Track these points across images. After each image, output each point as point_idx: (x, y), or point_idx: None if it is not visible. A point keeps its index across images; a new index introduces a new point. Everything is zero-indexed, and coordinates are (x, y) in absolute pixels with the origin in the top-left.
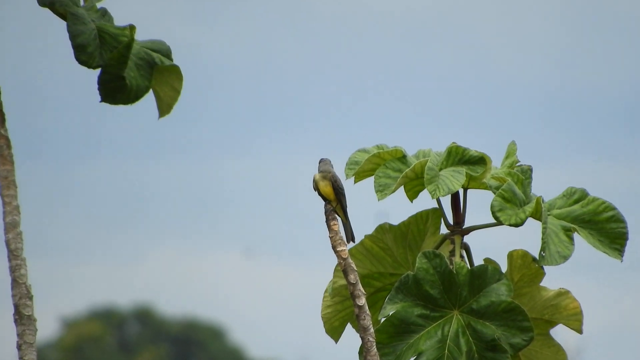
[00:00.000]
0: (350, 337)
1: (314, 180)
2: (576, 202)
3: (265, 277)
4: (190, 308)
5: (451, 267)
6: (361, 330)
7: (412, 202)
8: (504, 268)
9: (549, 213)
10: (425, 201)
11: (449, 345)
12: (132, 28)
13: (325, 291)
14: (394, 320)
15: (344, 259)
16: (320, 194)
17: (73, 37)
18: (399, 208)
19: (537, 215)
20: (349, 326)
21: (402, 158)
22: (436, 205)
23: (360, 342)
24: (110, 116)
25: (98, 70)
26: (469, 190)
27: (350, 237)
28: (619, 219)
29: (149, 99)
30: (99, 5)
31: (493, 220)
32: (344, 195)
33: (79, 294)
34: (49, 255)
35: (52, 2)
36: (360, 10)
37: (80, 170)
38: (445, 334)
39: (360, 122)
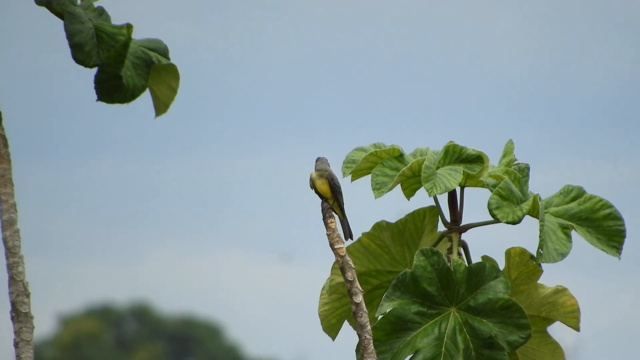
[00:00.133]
0: (348, 334)
1: (310, 178)
2: (573, 199)
3: (263, 275)
4: (187, 306)
5: (449, 264)
6: (358, 327)
7: (409, 200)
8: (501, 266)
9: (546, 211)
10: (422, 199)
11: (446, 342)
12: (129, 27)
13: (323, 289)
14: (391, 317)
15: (342, 257)
16: (317, 192)
17: (70, 36)
18: (396, 206)
19: (534, 213)
20: (346, 324)
21: (399, 157)
22: (433, 203)
23: (357, 339)
24: (111, 116)
25: (95, 69)
26: (466, 189)
27: (347, 234)
28: (616, 217)
29: (147, 98)
30: (96, 4)
31: (490, 218)
32: (341, 193)
33: (76, 292)
34: (46, 253)
35: (49, 1)
36: (357, 10)
37: (80, 170)
38: (442, 331)
39: (358, 120)
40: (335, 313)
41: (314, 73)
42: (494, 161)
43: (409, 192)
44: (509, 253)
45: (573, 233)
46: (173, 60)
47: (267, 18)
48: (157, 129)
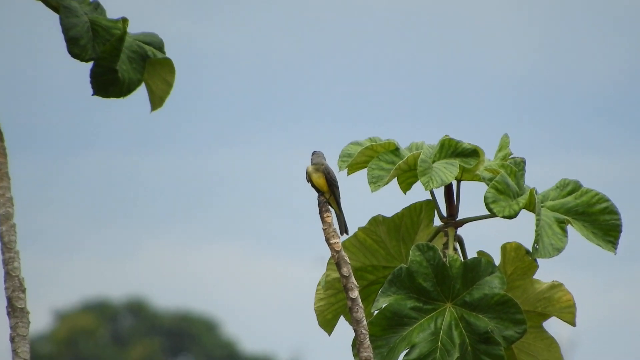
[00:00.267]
0: (343, 330)
1: (307, 172)
2: (569, 193)
3: (259, 270)
4: (183, 301)
5: (444, 259)
6: (354, 323)
7: (405, 194)
8: (497, 260)
9: (542, 205)
10: (418, 193)
11: (442, 337)
12: (124, 21)
13: (318, 284)
14: (387, 313)
15: (338, 252)
16: (313, 185)
17: (66, 29)
18: (392, 200)
19: (530, 207)
20: (342, 319)
21: (395, 150)
22: (429, 197)
23: (353, 335)
24: (103, 109)
25: (91, 63)
26: (462, 183)
27: (343, 229)
28: (612, 211)
29: (142, 92)
30: None
31: (487, 212)
32: (337, 187)
33: (72, 287)
34: (42, 248)
35: None
36: (354, 4)
37: (73, 163)
38: (438, 326)
39: (354, 114)
40: (331, 308)
41: (309, 67)
42: (489, 155)
43: (405, 186)
44: (504, 248)
45: (569, 228)
46: (169, 55)
47: (261, 11)
48: (149, 123)
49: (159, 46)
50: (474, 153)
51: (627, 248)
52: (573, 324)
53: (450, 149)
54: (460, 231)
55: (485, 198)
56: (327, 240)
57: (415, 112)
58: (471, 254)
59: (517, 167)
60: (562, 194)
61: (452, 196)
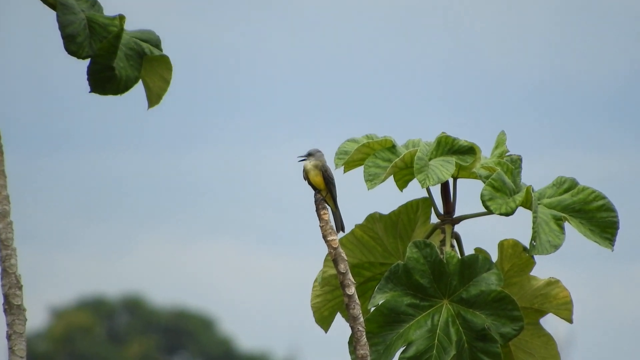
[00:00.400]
0: (340, 326)
1: (304, 169)
2: (566, 191)
3: (255, 267)
4: (180, 299)
5: (442, 256)
6: (351, 319)
7: (401, 191)
8: (494, 257)
9: (539, 202)
10: (415, 191)
11: (438, 334)
12: (121, 18)
13: (315, 280)
14: (383, 309)
15: (335, 249)
16: (310, 183)
17: (63, 27)
18: (389, 197)
19: (527, 204)
20: (338, 316)
21: (392, 148)
22: (426, 195)
23: (350, 331)
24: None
25: (87, 61)
26: (459, 180)
27: (340, 226)
28: (609, 208)
29: (139, 89)
30: None
31: (483, 210)
32: (334, 184)
33: (68, 284)
34: (38, 246)
35: None
36: (350, 1)
37: (69, 161)
38: (435, 323)
39: (350, 112)
40: (327, 305)
41: (305, 64)
42: (486, 152)
43: (402, 184)
44: (501, 245)
45: (566, 225)
46: (165, 52)
47: (257, 7)
48: (144, 119)
49: (156, 43)
50: (470, 150)
51: (624, 245)
52: (570, 320)
53: (447, 147)
54: (458, 228)
55: (482, 195)
56: (324, 237)
57: (412, 108)
58: (468, 251)
59: (514, 165)
60: (559, 191)
61: (448, 193)
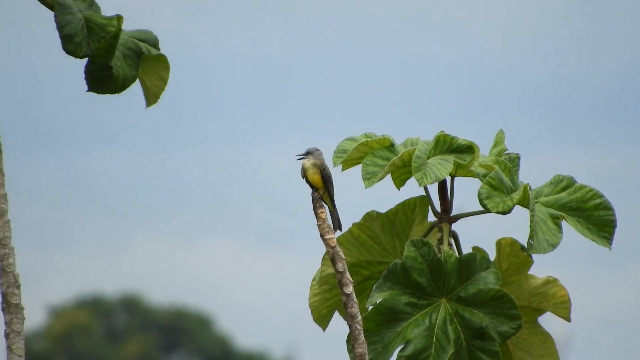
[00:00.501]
0: (338, 325)
1: (302, 168)
2: (563, 189)
3: (253, 265)
4: (177, 297)
5: (439, 255)
6: (349, 318)
7: (399, 189)
8: (492, 256)
9: (536, 201)
10: (412, 189)
11: (437, 333)
12: (119, 18)
13: (313, 279)
14: (381, 308)
15: (332, 247)
16: (308, 181)
17: (60, 27)
18: (387, 196)
19: (524, 203)
20: (336, 314)
21: (390, 146)
22: (424, 193)
23: (348, 330)
24: (98, 106)
25: (85, 60)
26: (456, 178)
27: (337, 225)
28: (606, 207)
29: (137, 88)
30: None
31: (481, 208)
32: (332, 183)
33: (66, 283)
34: (36, 244)
35: None
36: (348, 1)
37: (67, 160)
38: (433, 322)
39: (349, 110)
40: (325, 304)
41: (304, 62)
42: (484, 151)
43: (400, 182)
44: (499, 244)
45: (563, 223)
46: (163, 51)
47: (255, 6)
48: (144, 119)
49: (154, 43)
50: (469, 149)
51: (622, 243)
52: (568, 319)
53: (445, 145)
54: (455, 227)
55: (479, 194)
56: (322, 236)
57: (411, 107)
58: (466, 249)
59: (512, 163)
60: (556, 189)
61: (446, 192)
